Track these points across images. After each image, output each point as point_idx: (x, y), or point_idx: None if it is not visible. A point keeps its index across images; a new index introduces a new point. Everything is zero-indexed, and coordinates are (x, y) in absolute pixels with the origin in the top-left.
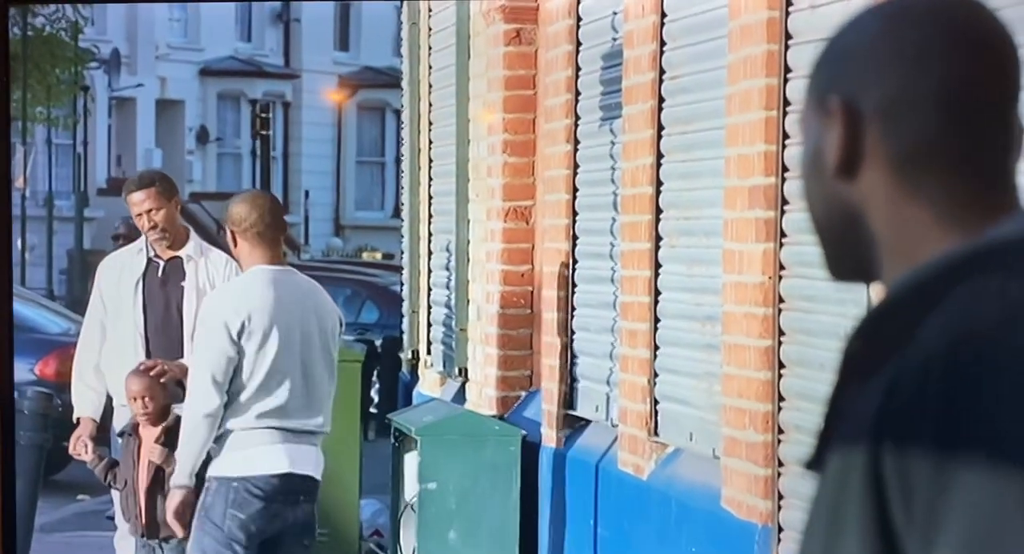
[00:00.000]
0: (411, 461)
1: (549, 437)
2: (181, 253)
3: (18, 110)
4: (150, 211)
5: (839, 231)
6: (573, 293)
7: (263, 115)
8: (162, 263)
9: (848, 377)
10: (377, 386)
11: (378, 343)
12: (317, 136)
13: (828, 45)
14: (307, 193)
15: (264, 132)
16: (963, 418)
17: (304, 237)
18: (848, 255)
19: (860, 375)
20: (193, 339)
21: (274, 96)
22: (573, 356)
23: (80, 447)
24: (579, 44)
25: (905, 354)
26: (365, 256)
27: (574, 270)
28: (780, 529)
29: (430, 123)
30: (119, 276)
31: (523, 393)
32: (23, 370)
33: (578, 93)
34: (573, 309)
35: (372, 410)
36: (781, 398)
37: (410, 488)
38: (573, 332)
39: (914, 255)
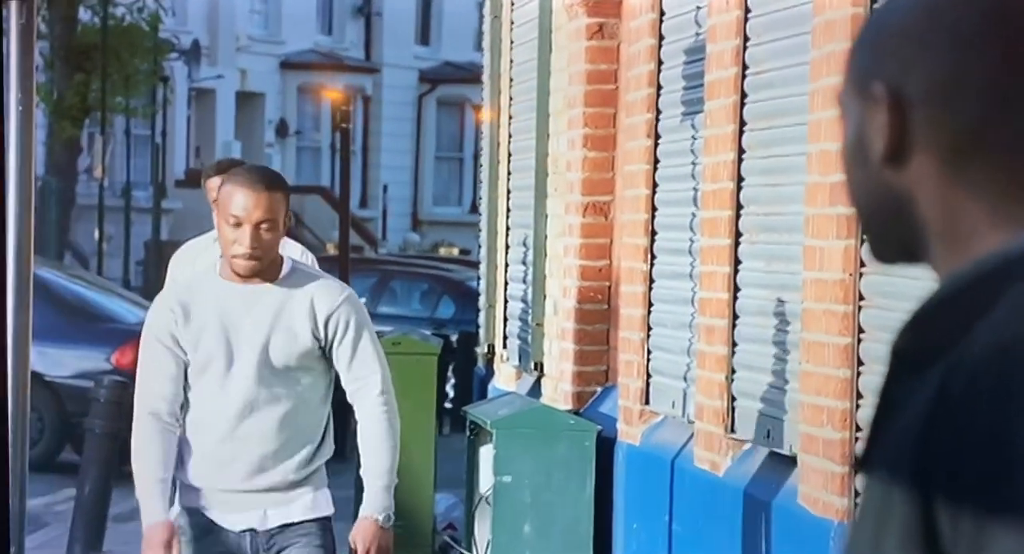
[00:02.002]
0: (486, 454)
1: (625, 433)
2: None
3: (97, 100)
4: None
5: (886, 218)
6: (651, 289)
7: (344, 108)
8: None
9: (896, 373)
10: (453, 381)
11: (454, 338)
12: (396, 131)
13: (869, 26)
14: (385, 188)
15: (344, 125)
16: (1013, 427)
17: (381, 232)
18: (896, 240)
19: (909, 372)
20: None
21: (354, 90)
22: (650, 352)
23: None
24: (662, 38)
25: (956, 356)
26: (442, 251)
27: (652, 265)
28: None
29: (510, 117)
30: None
31: (599, 388)
32: (99, 359)
33: (659, 88)
34: (651, 305)
35: (447, 405)
36: (859, 396)
37: (485, 481)
38: (650, 328)
39: (966, 247)
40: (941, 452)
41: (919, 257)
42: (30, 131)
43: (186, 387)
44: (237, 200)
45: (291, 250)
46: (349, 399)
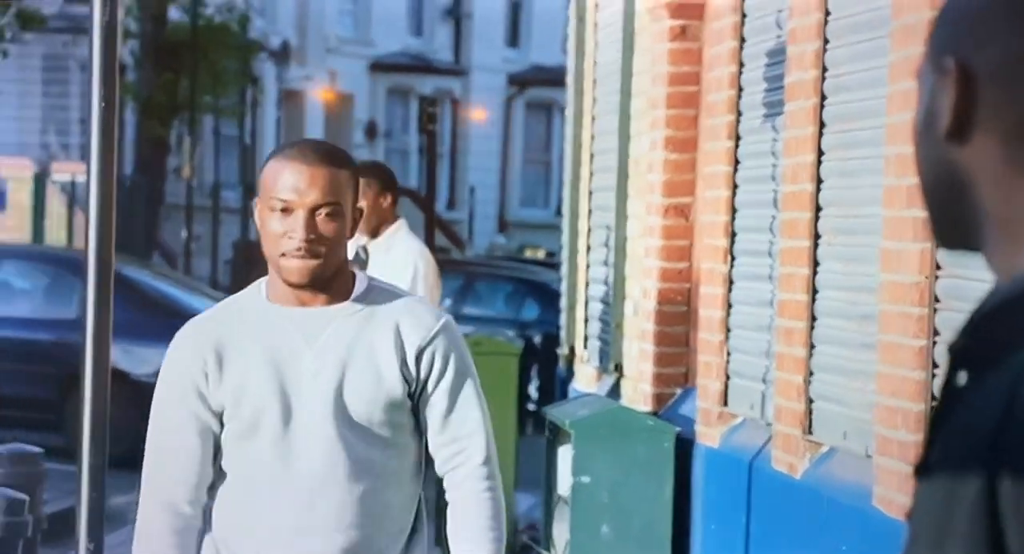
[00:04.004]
0: (564, 454)
1: (704, 434)
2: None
3: (186, 99)
4: None
5: (945, 198)
6: (730, 290)
7: (431, 110)
8: None
9: (956, 373)
10: (536, 382)
11: (537, 340)
12: (484, 133)
13: (949, 3)
14: (472, 190)
15: (431, 128)
16: None
17: (468, 234)
18: (954, 223)
19: (969, 372)
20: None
21: (443, 92)
22: (729, 353)
23: None
24: (743, 41)
25: None
26: (528, 254)
27: (732, 267)
28: None
29: (593, 119)
30: None
31: (678, 390)
32: None
33: (741, 89)
34: (730, 306)
35: (530, 406)
36: (934, 398)
37: (563, 481)
38: (730, 329)
39: (1022, 238)
40: (1012, 458)
41: (977, 244)
42: (112, 129)
43: (219, 457)
44: (286, 179)
45: (408, 249)
46: (438, 469)
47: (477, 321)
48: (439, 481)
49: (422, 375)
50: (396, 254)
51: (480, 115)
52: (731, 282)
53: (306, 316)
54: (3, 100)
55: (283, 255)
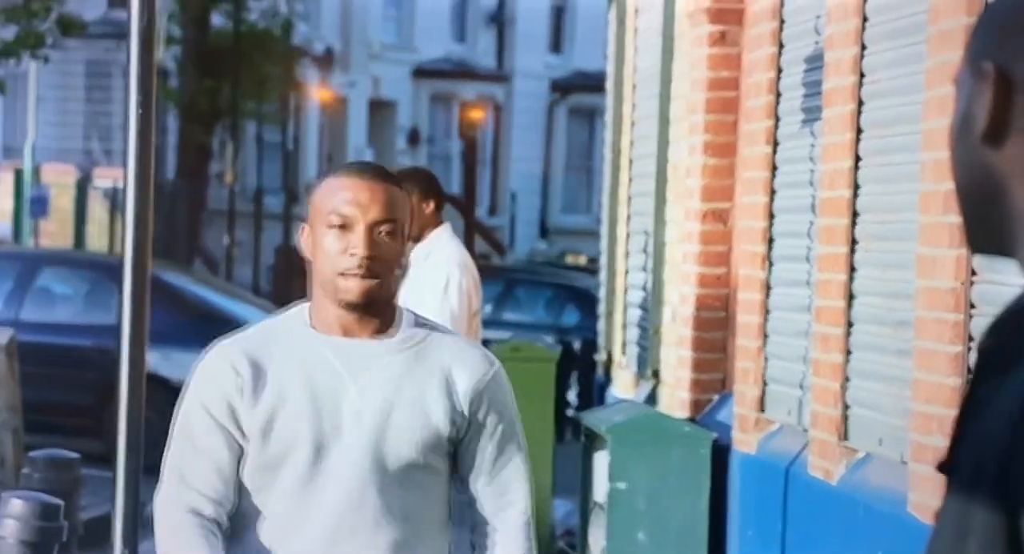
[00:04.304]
0: (601, 461)
1: (741, 440)
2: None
3: (228, 105)
4: None
5: (979, 201)
6: (768, 296)
7: (470, 117)
8: None
9: (982, 374)
10: (576, 389)
11: (577, 346)
12: (527, 139)
13: (991, 7)
14: (514, 196)
15: (471, 134)
16: None
17: (510, 240)
18: (988, 228)
19: (995, 373)
20: None
21: (485, 98)
22: (766, 359)
23: None
24: (782, 46)
25: None
26: (570, 259)
27: (770, 273)
28: None
29: (632, 124)
30: None
31: (716, 396)
32: None
33: (779, 95)
34: (768, 312)
35: (570, 412)
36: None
37: (599, 488)
38: (767, 335)
39: None
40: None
41: (1010, 249)
42: (150, 133)
43: (242, 491)
44: (345, 194)
45: (446, 257)
46: (480, 511)
47: (517, 327)
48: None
49: (473, 421)
50: (433, 261)
51: (522, 121)
52: (769, 288)
53: (351, 347)
54: (46, 106)
55: (342, 274)
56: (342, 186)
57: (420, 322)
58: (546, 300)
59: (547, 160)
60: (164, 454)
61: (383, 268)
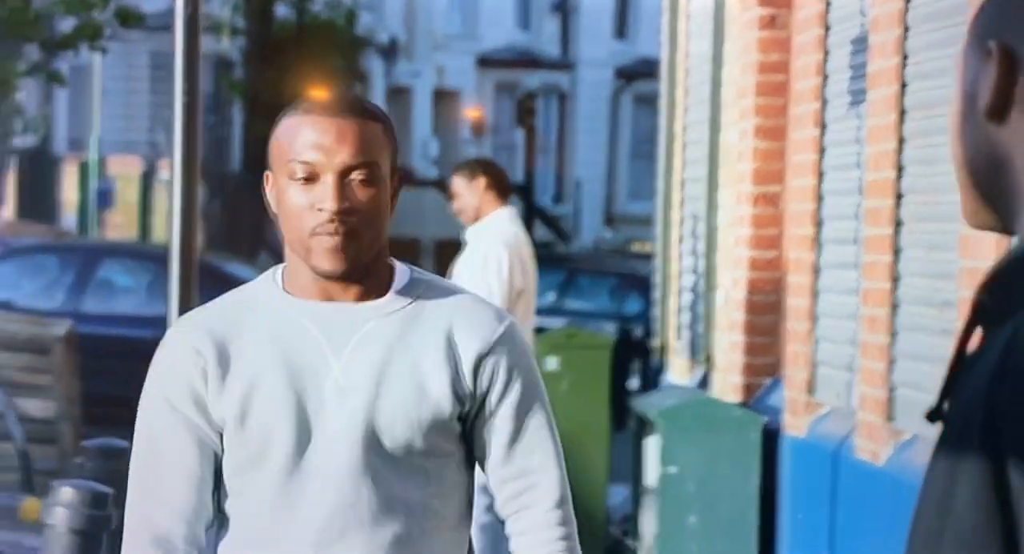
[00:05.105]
0: (652, 445)
1: (791, 424)
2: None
3: (292, 96)
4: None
5: (983, 175)
6: (817, 279)
7: (528, 105)
8: None
9: (972, 328)
10: (638, 377)
11: (639, 334)
12: (591, 127)
13: None
14: (579, 184)
15: (530, 122)
16: None
17: (574, 228)
18: (989, 198)
19: (986, 326)
20: None
21: (549, 87)
22: (816, 342)
23: None
24: (828, 28)
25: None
26: (635, 247)
27: (819, 255)
28: None
29: (685, 109)
30: None
31: (768, 380)
32: None
33: (826, 77)
34: (817, 295)
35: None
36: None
37: (651, 472)
38: (816, 318)
39: None
40: (1008, 406)
41: (1010, 226)
42: (195, 124)
43: (220, 491)
44: (306, 137)
45: (495, 235)
46: (499, 509)
47: (578, 315)
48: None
49: (480, 391)
50: (482, 238)
51: (586, 109)
52: (817, 270)
53: (333, 313)
54: (111, 98)
55: (313, 235)
56: (302, 126)
57: (417, 278)
58: (609, 288)
59: (612, 148)
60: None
61: (362, 222)
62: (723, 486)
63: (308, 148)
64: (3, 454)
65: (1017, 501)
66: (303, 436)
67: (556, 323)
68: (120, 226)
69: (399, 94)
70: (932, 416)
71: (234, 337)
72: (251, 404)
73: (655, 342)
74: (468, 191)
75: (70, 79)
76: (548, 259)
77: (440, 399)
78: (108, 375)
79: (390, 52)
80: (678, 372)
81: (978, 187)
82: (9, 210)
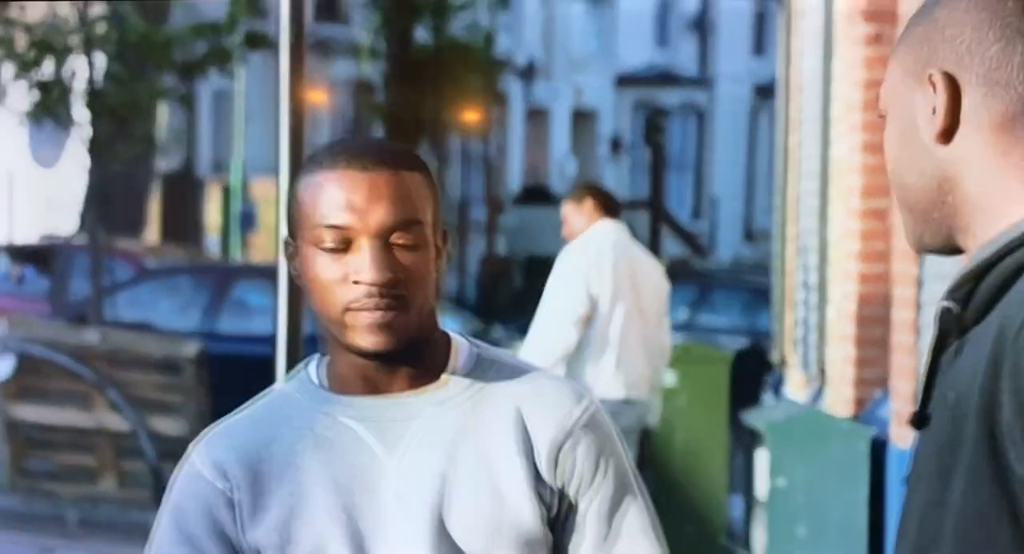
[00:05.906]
0: (761, 458)
1: (897, 435)
2: None
3: (431, 117)
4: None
5: (929, 198)
6: (920, 291)
7: (657, 123)
8: None
9: (945, 335)
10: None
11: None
12: (730, 143)
13: (918, 25)
14: (715, 200)
15: (658, 139)
16: None
17: (710, 243)
18: (937, 221)
19: (957, 332)
20: None
21: (688, 104)
22: (920, 355)
23: None
24: None
25: (1009, 303)
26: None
27: (921, 268)
28: None
29: (799, 124)
30: None
31: (879, 392)
32: None
33: None
34: (919, 307)
35: None
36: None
37: (760, 485)
38: (919, 331)
39: (1004, 213)
40: (1013, 388)
41: (956, 242)
42: (301, 145)
43: None
44: (333, 194)
45: (587, 240)
46: None
47: (712, 332)
48: None
49: (563, 487)
50: (568, 248)
51: (725, 125)
52: (920, 283)
53: (382, 408)
54: (254, 121)
55: (348, 310)
56: (327, 183)
57: (481, 356)
58: (742, 303)
59: (751, 163)
60: None
61: (410, 294)
62: (831, 498)
63: (337, 210)
64: (136, 472)
65: (1016, 485)
66: (358, 551)
67: (688, 338)
68: (262, 248)
69: (537, 115)
70: (917, 422)
71: (268, 453)
72: (292, 530)
73: (774, 356)
74: (576, 214)
75: (213, 102)
76: (682, 274)
77: (520, 502)
78: (240, 394)
79: (528, 73)
80: (795, 386)
81: (924, 211)
82: (153, 233)
